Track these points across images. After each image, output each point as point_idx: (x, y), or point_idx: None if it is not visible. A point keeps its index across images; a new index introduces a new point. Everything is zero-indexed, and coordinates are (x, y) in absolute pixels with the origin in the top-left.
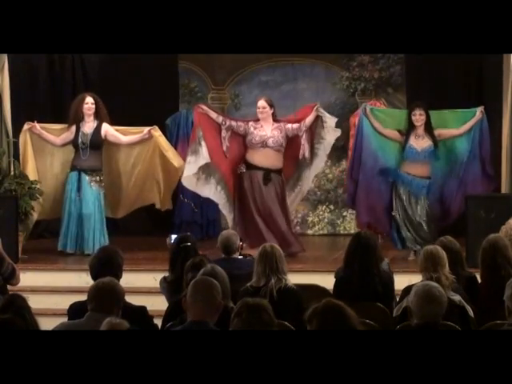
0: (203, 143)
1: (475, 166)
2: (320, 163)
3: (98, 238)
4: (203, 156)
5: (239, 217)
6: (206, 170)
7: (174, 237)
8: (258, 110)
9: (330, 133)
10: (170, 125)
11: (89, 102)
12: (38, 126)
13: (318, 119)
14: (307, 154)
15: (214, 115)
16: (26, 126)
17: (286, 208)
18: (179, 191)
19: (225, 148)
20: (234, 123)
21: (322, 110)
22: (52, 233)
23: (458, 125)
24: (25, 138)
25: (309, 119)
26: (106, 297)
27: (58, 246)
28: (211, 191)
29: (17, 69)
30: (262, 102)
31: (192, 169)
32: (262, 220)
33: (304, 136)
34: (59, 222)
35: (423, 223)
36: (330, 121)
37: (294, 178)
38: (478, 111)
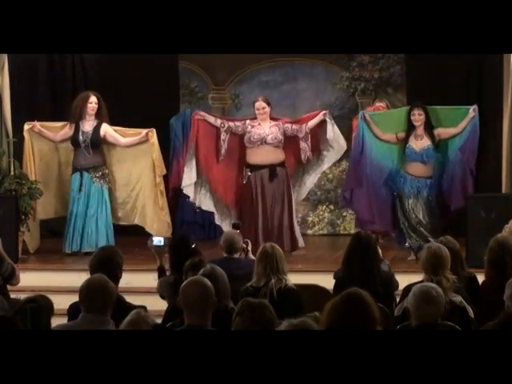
0: (194, 161)
1: (462, 163)
2: (322, 170)
3: (103, 237)
4: (193, 175)
5: (246, 221)
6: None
7: (155, 239)
8: (257, 112)
9: (339, 142)
10: (173, 124)
11: (93, 102)
12: (37, 124)
13: (323, 126)
14: (311, 157)
15: (211, 119)
16: (26, 126)
17: (290, 202)
18: (181, 191)
19: (223, 151)
20: (231, 124)
21: (330, 118)
22: (52, 233)
23: (455, 123)
24: (26, 137)
25: (312, 122)
26: (97, 297)
27: (63, 247)
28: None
29: (17, 69)
30: (260, 103)
31: (189, 179)
32: (267, 219)
33: (307, 139)
34: (60, 222)
35: (423, 228)
36: (336, 133)
37: (292, 179)
38: (471, 109)
